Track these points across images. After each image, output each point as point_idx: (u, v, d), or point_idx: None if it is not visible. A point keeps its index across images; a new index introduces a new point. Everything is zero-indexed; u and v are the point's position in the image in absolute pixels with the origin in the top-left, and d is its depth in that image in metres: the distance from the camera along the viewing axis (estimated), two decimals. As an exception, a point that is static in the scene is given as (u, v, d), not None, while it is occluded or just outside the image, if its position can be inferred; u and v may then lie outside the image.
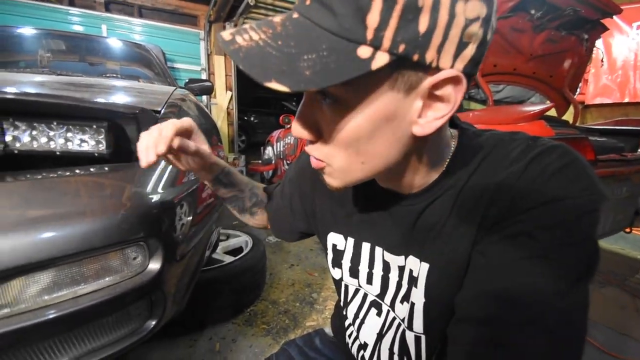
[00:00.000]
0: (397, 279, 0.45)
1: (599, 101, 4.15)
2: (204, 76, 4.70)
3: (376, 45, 0.27)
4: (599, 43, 2.93)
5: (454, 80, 0.30)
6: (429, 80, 0.30)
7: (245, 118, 7.12)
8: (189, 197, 0.93)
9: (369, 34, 0.27)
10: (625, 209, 1.65)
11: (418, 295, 0.40)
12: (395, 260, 0.44)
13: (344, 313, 0.54)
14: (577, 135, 1.42)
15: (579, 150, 1.41)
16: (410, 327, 0.42)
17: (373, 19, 0.27)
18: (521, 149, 0.35)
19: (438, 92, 0.31)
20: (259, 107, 7.61)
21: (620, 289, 1.83)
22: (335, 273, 0.53)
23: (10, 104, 0.63)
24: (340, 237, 0.51)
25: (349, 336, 0.55)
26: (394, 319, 0.46)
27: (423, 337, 0.42)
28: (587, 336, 0.31)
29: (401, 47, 0.27)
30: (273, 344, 1.30)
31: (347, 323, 0.54)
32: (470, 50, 0.29)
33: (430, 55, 0.28)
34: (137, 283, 0.68)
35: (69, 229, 0.62)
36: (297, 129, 0.35)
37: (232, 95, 4.96)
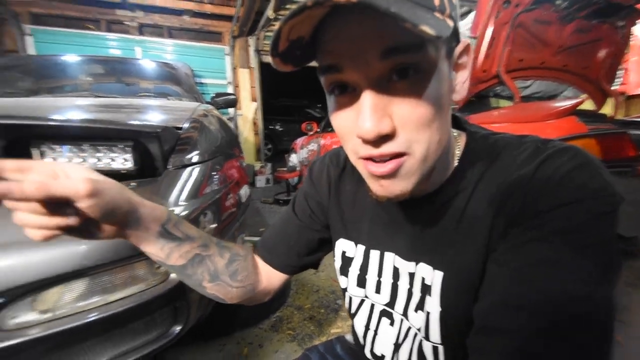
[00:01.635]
0: (407, 286, 0.44)
1: (642, 90, 3.84)
2: (230, 89, 4.89)
3: (442, 11, 0.29)
4: (637, 29, 2.72)
5: (467, 49, 0.34)
6: (458, 49, 0.33)
7: (271, 127, 7.30)
8: (212, 205, 0.98)
9: (436, 0, 0.29)
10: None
11: (433, 304, 0.40)
12: (405, 267, 0.43)
13: (353, 324, 0.53)
14: (615, 130, 1.32)
15: (617, 146, 1.30)
16: (427, 337, 0.41)
17: None
18: (530, 152, 0.34)
19: (460, 61, 0.34)
20: (284, 115, 7.78)
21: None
22: (342, 281, 0.52)
23: (49, 129, 0.70)
24: (351, 244, 0.50)
25: (363, 348, 0.53)
26: (409, 328, 0.44)
27: (441, 347, 0.40)
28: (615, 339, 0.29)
29: (453, 13, 0.30)
30: (298, 350, 1.32)
31: (359, 336, 0.52)
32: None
33: (455, 24, 0.31)
34: (162, 291, 0.73)
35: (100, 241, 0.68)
36: (376, 125, 0.30)
37: (257, 106, 5.12)
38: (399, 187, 0.34)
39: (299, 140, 3.85)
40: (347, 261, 0.51)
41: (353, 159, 0.36)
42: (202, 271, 0.46)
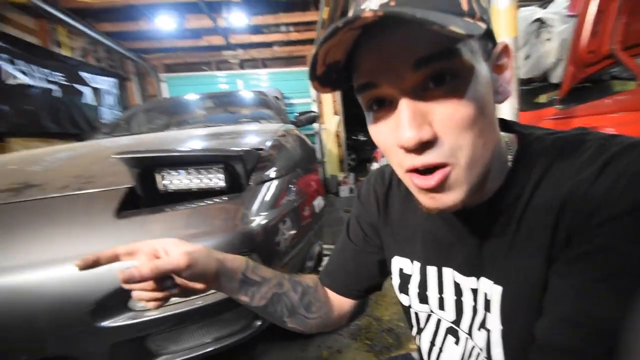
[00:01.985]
0: (472, 303, 0.41)
1: None
2: (314, 107, 5.23)
3: (472, 14, 0.29)
4: None
5: (506, 50, 0.33)
6: (495, 51, 0.33)
7: (354, 137, 7.44)
8: (291, 213, 1.10)
9: (464, 5, 0.29)
10: None
11: (494, 322, 0.37)
12: (466, 282, 0.41)
13: (418, 342, 0.51)
14: None
15: None
16: (489, 357, 0.39)
17: None
18: (592, 152, 0.31)
19: (499, 62, 0.34)
20: (366, 125, 7.81)
21: None
22: (403, 299, 0.50)
23: (166, 159, 0.94)
24: (407, 261, 0.49)
25: None
26: (473, 347, 0.42)
27: None
28: None
29: (485, 16, 0.31)
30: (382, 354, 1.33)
31: (423, 352, 0.51)
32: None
33: (491, 28, 0.32)
34: (245, 288, 0.87)
35: (202, 244, 0.85)
36: (416, 132, 0.30)
37: (339, 119, 5.32)
38: (450, 198, 0.32)
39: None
40: (405, 278, 0.49)
41: (400, 173, 0.36)
42: (281, 308, 0.50)
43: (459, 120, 0.30)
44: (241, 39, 4.95)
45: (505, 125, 0.41)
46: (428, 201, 0.34)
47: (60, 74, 3.75)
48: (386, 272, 0.55)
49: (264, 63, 5.39)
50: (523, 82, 2.12)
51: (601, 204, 0.28)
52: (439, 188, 0.32)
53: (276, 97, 2.88)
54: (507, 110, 1.27)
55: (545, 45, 1.85)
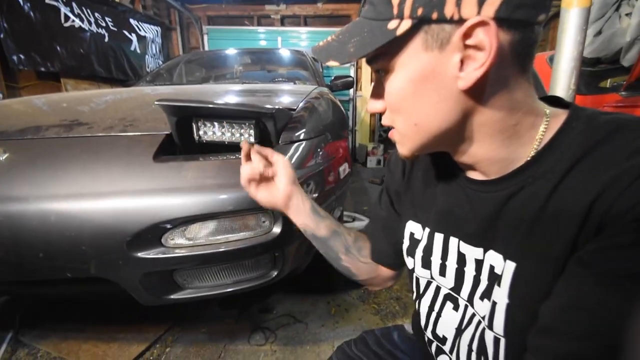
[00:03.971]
0: (473, 273, 0.43)
1: None
2: (352, 71, 5.04)
3: (400, 16, 0.33)
4: None
5: (481, 27, 0.30)
6: (458, 33, 0.32)
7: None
8: (316, 176, 1.12)
9: (395, 10, 0.33)
10: None
11: (501, 295, 0.38)
12: (471, 252, 0.42)
13: (417, 307, 0.54)
14: None
15: None
16: (490, 326, 0.40)
17: None
18: None
19: (471, 42, 0.31)
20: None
21: None
22: (409, 262, 0.53)
23: (202, 110, 0.97)
24: (419, 226, 0.51)
25: (425, 329, 0.53)
26: (473, 315, 0.44)
27: (503, 340, 0.39)
28: None
29: (419, 11, 0.32)
30: (380, 324, 1.39)
31: (422, 316, 0.54)
32: None
33: (449, 10, 0.31)
34: (265, 240, 0.92)
35: (228, 195, 0.90)
36: (371, 105, 0.43)
37: (377, 88, 5.12)
38: (401, 150, 0.43)
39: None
40: (414, 242, 0.52)
41: None
42: (339, 244, 0.59)
43: (390, 102, 0.39)
44: (285, -7, 4.76)
45: (557, 101, 0.40)
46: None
47: (111, 20, 3.87)
48: None
49: (306, 21, 5.19)
50: (588, 62, 1.89)
51: None
52: (396, 142, 0.43)
53: (314, 58, 2.80)
54: (561, 91, 1.16)
55: (623, 21, 1.62)
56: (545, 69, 1.90)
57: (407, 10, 0.33)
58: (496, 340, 0.40)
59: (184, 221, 0.87)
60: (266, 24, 5.20)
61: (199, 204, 0.86)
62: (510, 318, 0.38)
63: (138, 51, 4.36)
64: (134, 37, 4.27)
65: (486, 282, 0.41)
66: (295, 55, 2.86)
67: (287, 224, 0.95)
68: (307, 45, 4.92)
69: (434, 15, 0.32)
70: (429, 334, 0.52)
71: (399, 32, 0.33)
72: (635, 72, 1.40)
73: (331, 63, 0.38)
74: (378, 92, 0.42)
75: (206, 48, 5.14)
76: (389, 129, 0.43)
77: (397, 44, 0.35)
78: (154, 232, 0.85)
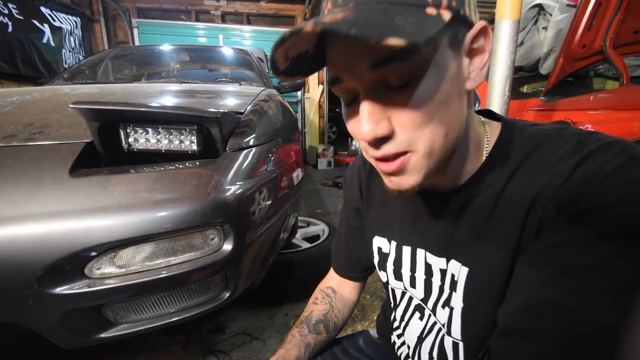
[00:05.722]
0: (439, 283, 0.44)
1: None
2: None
3: (437, 4, 0.28)
4: None
5: (484, 32, 0.32)
6: (469, 35, 0.32)
7: (337, 110, 7.31)
8: (269, 183, 1.05)
9: None
10: None
11: (457, 300, 0.40)
12: (437, 263, 0.43)
13: (393, 315, 0.56)
14: None
15: None
16: (449, 332, 0.42)
17: None
18: (570, 146, 0.33)
19: (475, 45, 0.33)
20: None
21: None
22: (382, 276, 0.54)
23: (133, 114, 0.83)
24: (385, 240, 0.51)
25: (398, 337, 0.55)
26: (434, 323, 0.46)
27: (461, 344, 0.41)
28: None
29: (454, 3, 0.29)
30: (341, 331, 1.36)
31: (395, 324, 0.56)
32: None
33: (467, 10, 0.31)
34: (214, 259, 0.82)
35: (167, 211, 0.78)
36: (372, 128, 0.31)
37: (323, 89, 5.16)
38: (408, 181, 0.35)
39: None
40: (383, 257, 0.52)
41: (368, 158, 0.37)
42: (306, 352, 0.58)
43: (416, 117, 0.31)
44: (225, -11, 4.55)
45: (490, 114, 0.43)
46: (390, 183, 0.36)
47: (15, 7, 3.30)
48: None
49: (249, 19, 5.02)
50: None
51: (573, 200, 0.29)
52: (399, 172, 0.34)
53: (260, 59, 2.69)
54: (497, 97, 1.25)
55: (540, 34, 1.82)
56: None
57: (445, 0, 0.29)
58: (455, 345, 0.42)
59: (112, 247, 0.73)
60: (205, 20, 4.91)
61: (130, 225, 0.73)
62: (466, 322, 0.39)
63: (52, 44, 3.79)
64: (46, 28, 3.70)
65: (448, 291, 0.42)
66: (239, 54, 2.72)
67: (240, 238, 0.87)
68: (250, 44, 4.75)
69: (462, 12, 0.30)
70: (397, 341, 0.55)
71: (446, 20, 0.27)
72: (552, 79, 1.60)
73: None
74: (379, 114, 0.31)
75: (137, 43, 4.67)
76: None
77: (437, 37, 0.29)
78: (74, 262, 0.70)
